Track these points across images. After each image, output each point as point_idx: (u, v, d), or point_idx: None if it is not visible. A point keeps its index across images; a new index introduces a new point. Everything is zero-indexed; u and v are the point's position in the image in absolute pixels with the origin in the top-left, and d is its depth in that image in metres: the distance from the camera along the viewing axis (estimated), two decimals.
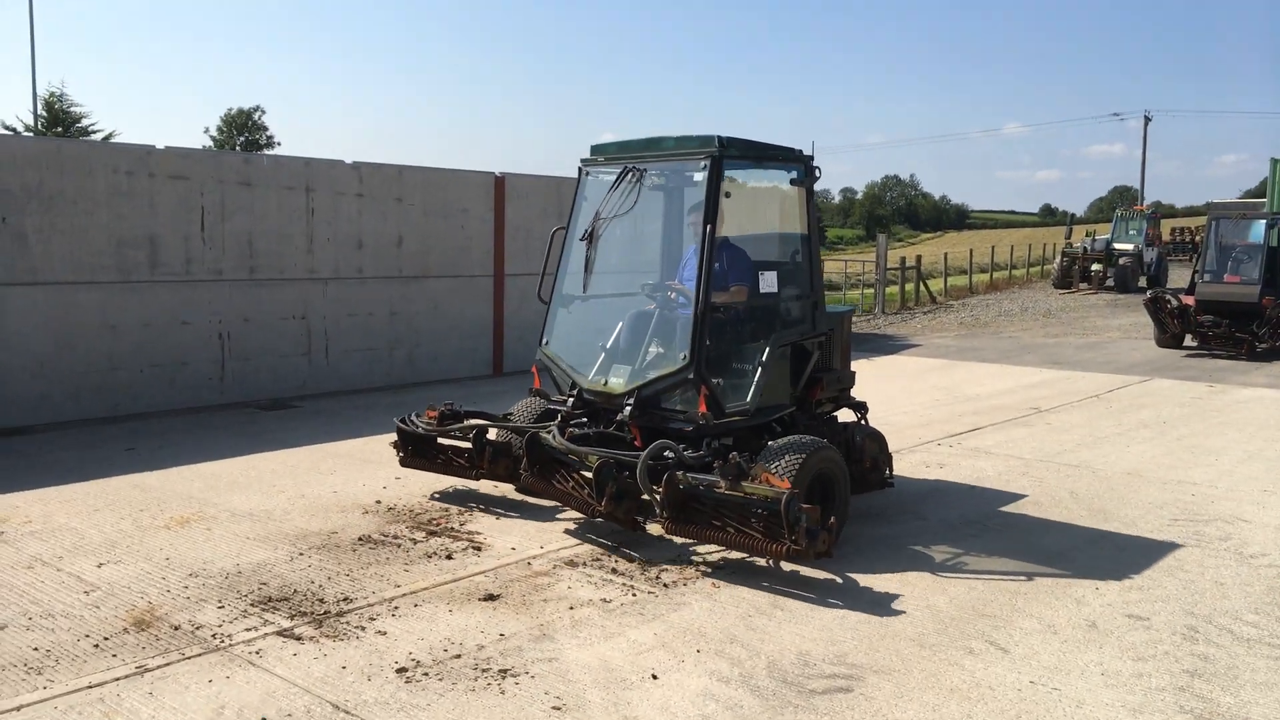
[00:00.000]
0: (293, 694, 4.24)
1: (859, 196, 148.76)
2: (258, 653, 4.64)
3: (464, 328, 13.69)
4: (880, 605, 5.38)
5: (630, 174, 6.59)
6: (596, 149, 7.02)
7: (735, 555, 6.01)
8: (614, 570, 5.84)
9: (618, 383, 6.43)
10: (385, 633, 4.90)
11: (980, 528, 6.89)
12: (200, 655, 4.60)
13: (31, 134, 29.87)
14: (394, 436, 7.44)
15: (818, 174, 6.80)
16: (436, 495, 7.35)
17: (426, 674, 4.46)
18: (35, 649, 4.65)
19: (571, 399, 6.64)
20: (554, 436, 6.34)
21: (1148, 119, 58.56)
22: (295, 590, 5.44)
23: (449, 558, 6.04)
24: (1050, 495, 7.74)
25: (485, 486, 7.45)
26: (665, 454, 5.88)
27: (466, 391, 11.99)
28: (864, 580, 5.76)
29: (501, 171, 14.07)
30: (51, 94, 34.31)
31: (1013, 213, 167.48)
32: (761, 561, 5.92)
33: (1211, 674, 4.63)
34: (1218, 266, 17.50)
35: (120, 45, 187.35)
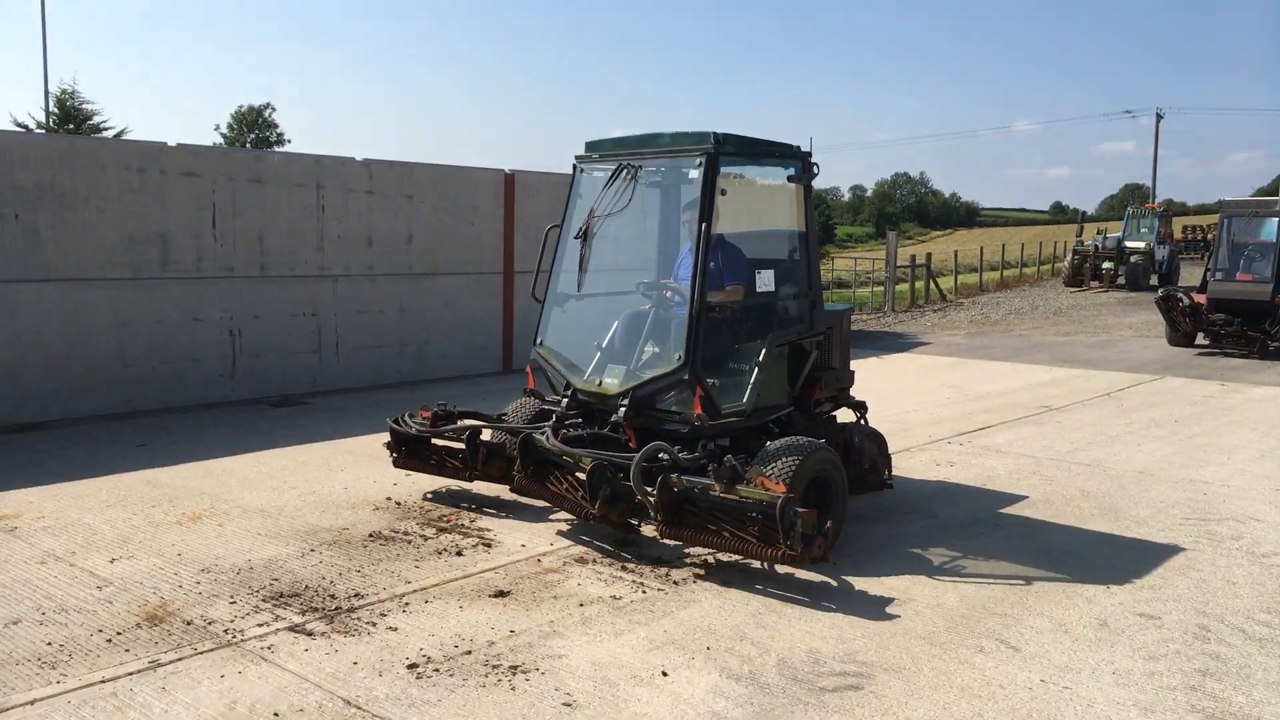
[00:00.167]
0: (304, 689, 4.26)
1: (869, 194, 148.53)
2: (269, 648, 4.66)
3: (474, 325, 13.71)
4: (890, 603, 5.38)
5: (625, 171, 6.49)
6: (591, 145, 6.93)
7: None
8: (624, 568, 5.85)
9: (612, 383, 6.35)
10: (396, 629, 4.91)
11: (991, 526, 6.87)
12: (212, 650, 4.63)
13: (43, 131, 29.99)
14: (387, 437, 7.34)
15: (816, 171, 6.72)
16: (429, 496, 7.28)
17: (437, 670, 4.47)
18: (49, 644, 4.67)
19: (566, 399, 6.58)
20: (547, 438, 6.24)
21: (1160, 116, 58.29)
22: (307, 586, 5.46)
23: (459, 554, 6.05)
24: (1061, 494, 7.72)
25: (484, 487, 7.34)
26: (660, 456, 5.80)
27: (476, 389, 12.01)
28: (874, 578, 5.76)
29: (511, 168, 14.09)
30: (63, 91, 34.41)
31: (1023, 210, 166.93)
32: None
33: (1223, 673, 4.61)
34: (1230, 265, 17.42)
35: (129, 43, 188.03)
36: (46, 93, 31.36)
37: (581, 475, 5.92)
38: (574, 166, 6.98)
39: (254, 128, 70.87)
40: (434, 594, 5.40)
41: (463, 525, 6.62)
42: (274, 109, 77.64)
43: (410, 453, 7.17)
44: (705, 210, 6.05)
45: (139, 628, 4.87)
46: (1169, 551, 6.35)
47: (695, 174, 6.24)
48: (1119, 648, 4.86)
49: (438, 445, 7.12)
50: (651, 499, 5.63)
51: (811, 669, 4.55)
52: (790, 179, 6.75)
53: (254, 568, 5.75)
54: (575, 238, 6.67)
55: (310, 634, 4.83)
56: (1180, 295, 17.31)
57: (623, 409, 6.16)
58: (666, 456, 5.79)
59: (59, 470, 7.93)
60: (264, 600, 5.25)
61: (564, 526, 6.62)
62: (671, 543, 6.02)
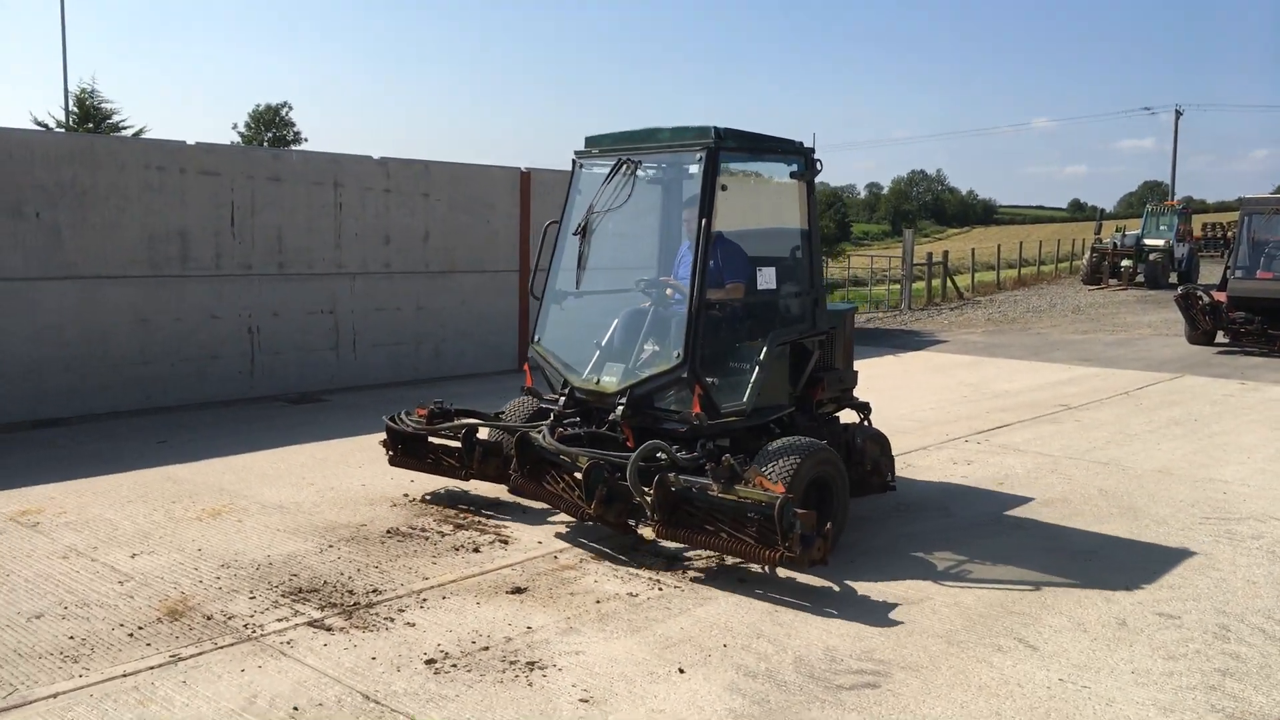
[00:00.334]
0: (323, 684, 4.29)
1: (885, 192, 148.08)
2: (289, 643, 4.69)
3: (490, 323, 13.74)
4: (907, 602, 5.36)
5: (625, 166, 6.39)
6: (591, 140, 6.81)
7: None
8: (640, 565, 5.85)
9: (610, 381, 6.27)
10: (414, 624, 4.94)
11: (1008, 525, 6.85)
12: (232, 645, 4.66)
13: (63, 130, 30.22)
14: (383, 435, 7.25)
15: (819, 167, 6.61)
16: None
17: (455, 665, 4.49)
18: (71, 638, 4.72)
19: (563, 398, 6.50)
20: (544, 437, 6.16)
21: (1179, 113, 57.89)
22: (325, 582, 5.50)
23: (476, 551, 6.07)
24: (1079, 493, 7.68)
25: (485, 487, 7.28)
26: (657, 455, 5.72)
27: (492, 386, 12.03)
28: (891, 577, 5.74)
29: (527, 166, 14.11)
30: (83, 90, 34.68)
31: (1041, 208, 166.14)
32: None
33: (1244, 673, 4.58)
34: (1250, 262, 17.27)
35: (147, 43, 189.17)
36: (66, 92, 31.61)
37: (578, 474, 5.83)
38: (573, 162, 6.89)
39: (271, 126, 71.17)
40: (451, 590, 5.42)
41: (479, 522, 6.64)
42: (291, 108, 77.74)
43: (407, 451, 7.09)
44: (705, 206, 5.95)
45: (160, 622, 4.91)
46: (1188, 551, 6.31)
47: (695, 169, 6.16)
48: (1138, 647, 4.84)
49: (434, 444, 7.03)
50: (648, 499, 5.56)
51: (828, 667, 4.55)
52: (793, 175, 6.63)
53: (273, 563, 5.79)
54: (574, 234, 6.59)
55: (329, 629, 4.86)
56: (1200, 293, 17.18)
57: (620, 407, 6.08)
58: (664, 456, 5.72)
59: (80, 466, 8.00)
60: (283, 595, 5.29)
61: (581, 524, 6.62)
62: (670, 544, 5.94)
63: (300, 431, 9.50)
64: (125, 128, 35.08)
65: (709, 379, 6.03)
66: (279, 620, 4.95)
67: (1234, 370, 14.56)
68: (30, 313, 9.72)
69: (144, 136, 28.34)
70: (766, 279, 6.45)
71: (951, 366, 15.11)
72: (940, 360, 15.92)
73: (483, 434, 6.97)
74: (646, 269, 7.02)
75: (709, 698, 4.23)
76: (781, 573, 5.73)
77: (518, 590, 5.43)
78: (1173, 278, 29.86)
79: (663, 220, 7.15)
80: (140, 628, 4.84)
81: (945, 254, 29.47)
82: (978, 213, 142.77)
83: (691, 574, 5.70)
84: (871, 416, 7.24)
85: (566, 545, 6.20)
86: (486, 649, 4.67)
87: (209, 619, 4.96)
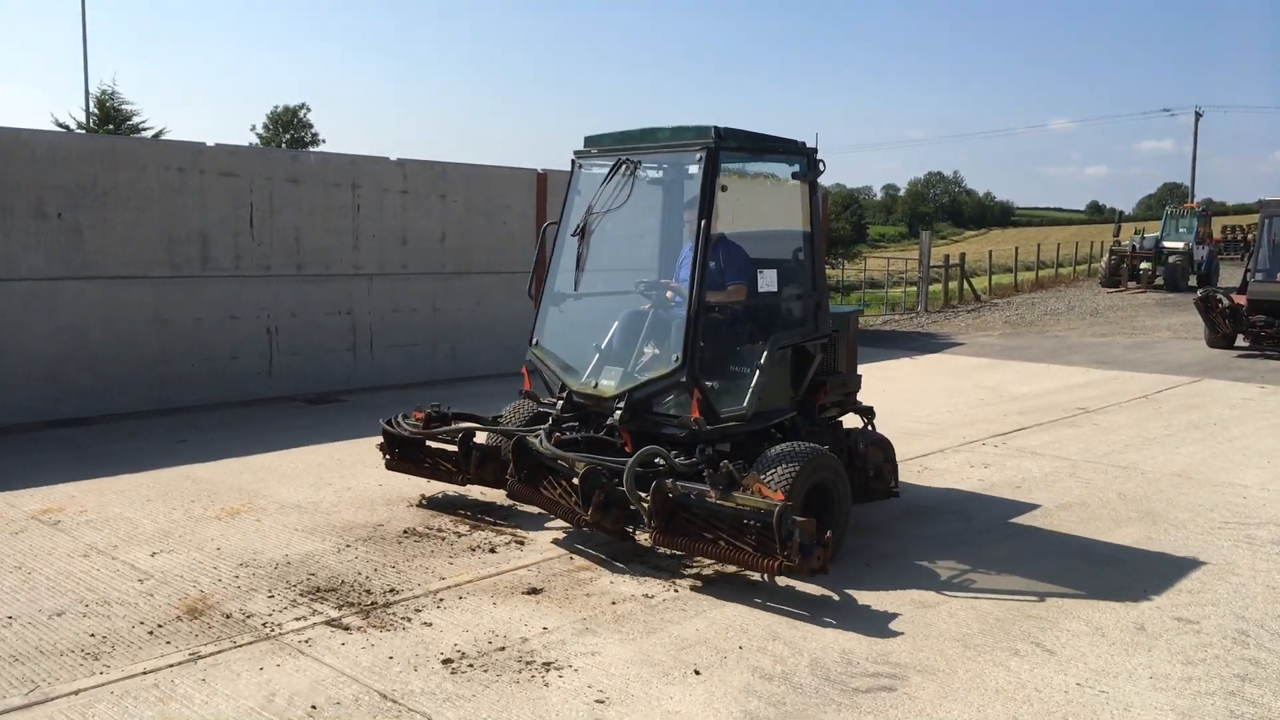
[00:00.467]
0: (341, 682, 4.32)
1: (901, 193, 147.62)
2: (307, 642, 4.72)
3: (506, 324, 13.76)
4: (923, 605, 5.35)
5: (624, 166, 6.28)
6: (590, 140, 6.72)
7: None
8: (656, 566, 5.86)
9: (608, 385, 6.16)
10: (431, 624, 4.96)
11: (1025, 528, 6.82)
12: (251, 643, 4.70)
13: (84, 131, 30.48)
14: (382, 439, 7.13)
15: (821, 167, 6.51)
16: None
17: (471, 665, 4.51)
18: (92, 635, 4.76)
19: (561, 402, 6.40)
20: (540, 441, 6.06)
21: (1199, 115, 57.43)
22: (343, 581, 5.53)
23: (492, 551, 6.09)
24: (1098, 496, 7.65)
25: (494, 493, 7.15)
26: (655, 461, 5.61)
27: (507, 388, 11.98)
28: (906, 580, 5.73)
29: (543, 167, 14.14)
30: (103, 92, 34.95)
31: (1059, 210, 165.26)
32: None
33: (1263, 679, 4.55)
34: (1270, 265, 17.14)
35: (166, 44, 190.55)
36: (87, 94, 31.93)
37: (576, 480, 5.72)
38: (572, 162, 6.78)
39: (289, 128, 71.53)
40: (468, 590, 5.44)
41: (496, 523, 6.66)
42: (309, 109, 78.14)
43: (404, 455, 7.00)
44: (705, 207, 5.85)
45: (179, 620, 4.95)
46: (1208, 555, 6.28)
47: (695, 170, 6.03)
48: (1156, 652, 4.82)
49: (432, 448, 6.93)
50: (645, 505, 5.45)
51: (844, 670, 4.55)
52: (795, 176, 6.51)
53: (291, 562, 5.83)
54: (572, 235, 6.48)
55: (347, 628, 4.89)
56: (1219, 296, 17.06)
57: (618, 412, 5.98)
58: (662, 461, 5.62)
59: (101, 465, 8.07)
60: (301, 595, 5.32)
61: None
62: (667, 551, 5.85)
63: (318, 432, 9.55)
64: (145, 129, 35.34)
65: (708, 383, 5.94)
66: (297, 619, 4.99)
67: (1254, 374, 14.45)
68: (52, 312, 9.81)
69: (164, 138, 28.55)
70: (768, 281, 6.33)
71: (968, 369, 15.05)
72: (957, 363, 15.87)
73: (481, 438, 6.89)
74: (646, 271, 6.92)
75: (724, 700, 4.24)
76: (801, 575, 5.71)
77: (533, 591, 5.44)
78: (1192, 280, 29.63)
79: (663, 221, 7.05)
80: (160, 625, 4.88)
81: (962, 256, 29.37)
82: (995, 214, 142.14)
83: (707, 576, 5.70)
84: (878, 420, 7.18)
85: (582, 547, 6.21)
86: (503, 649, 4.69)
87: (228, 617, 5.00)
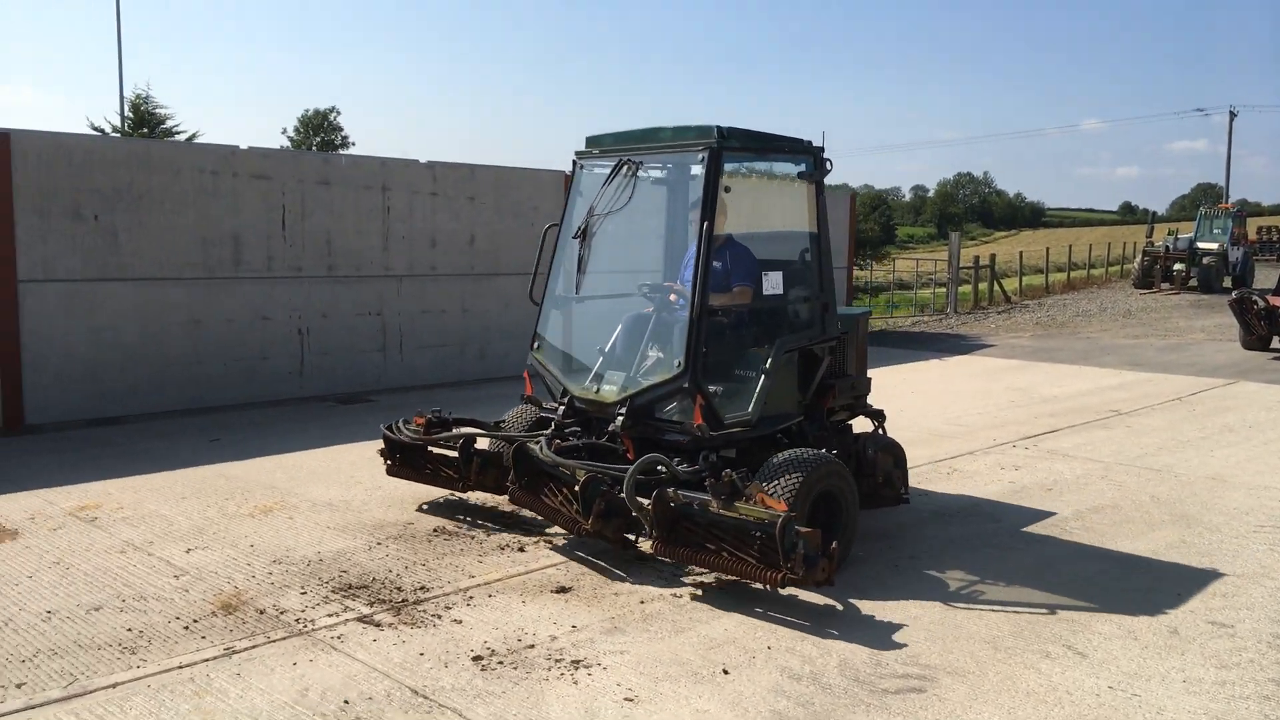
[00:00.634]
0: (373, 678, 4.36)
1: (930, 194, 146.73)
2: (339, 638, 4.78)
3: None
4: (953, 607, 5.33)
5: (625, 167, 6.15)
6: (592, 140, 6.57)
7: None
8: (684, 566, 5.86)
9: (610, 390, 6.02)
10: (461, 621, 5.00)
11: (1057, 530, 6.77)
12: (285, 639, 4.75)
13: (118, 135, 30.90)
14: (396, 443, 6.97)
15: (828, 167, 6.36)
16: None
17: (501, 662, 4.54)
18: (129, 629, 4.84)
19: (562, 407, 6.30)
20: (541, 448, 5.94)
21: (1233, 114, 56.63)
22: (374, 578, 5.58)
23: (521, 550, 6.13)
24: (1131, 499, 7.57)
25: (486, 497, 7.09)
26: (657, 468, 5.51)
27: None
28: (937, 582, 5.71)
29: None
30: (138, 96, 35.38)
31: (1091, 211, 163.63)
32: None
33: None
34: None
35: (199, 47, 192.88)
36: (122, 98, 32.44)
37: (577, 488, 5.61)
38: (573, 163, 6.66)
39: (320, 131, 72.17)
40: (497, 588, 5.48)
41: (524, 522, 6.70)
42: (339, 112, 78.86)
43: (405, 460, 6.91)
44: (707, 208, 5.71)
45: (214, 616, 5.02)
46: (1242, 559, 6.20)
47: (698, 170, 5.90)
48: (1190, 655, 4.77)
49: (433, 453, 6.80)
50: (647, 514, 5.35)
51: (873, 670, 4.54)
52: (801, 176, 6.37)
53: (323, 560, 5.90)
54: (574, 237, 6.38)
55: (378, 625, 4.94)
56: (1255, 298, 16.82)
57: (620, 418, 5.87)
58: (664, 469, 5.52)
59: (136, 463, 8.19)
60: (333, 591, 5.38)
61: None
62: (669, 561, 5.70)
63: (348, 431, 9.63)
64: (179, 132, 35.73)
65: (712, 388, 5.80)
66: (329, 615, 5.04)
67: None
68: (89, 313, 9.97)
69: (197, 141, 28.90)
70: (773, 284, 6.19)
71: (999, 371, 14.95)
72: (987, 364, 15.76)
73: (484, 443, 6.78)
74: (649, 273, 6.79)
75: (753, 699, 4.24)
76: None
77: (562, 590, 5.47)
78: (1226, 282, 29.25)
79: (667, 223, 6.94)
80: (195, 621, 4.95)
81: (992, 257, 29.15)
82: (1025, 215, 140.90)
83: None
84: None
85: (608, 547, 6.22)
86: (532, 647, 4.72)
87: (262, 613, 5.07)
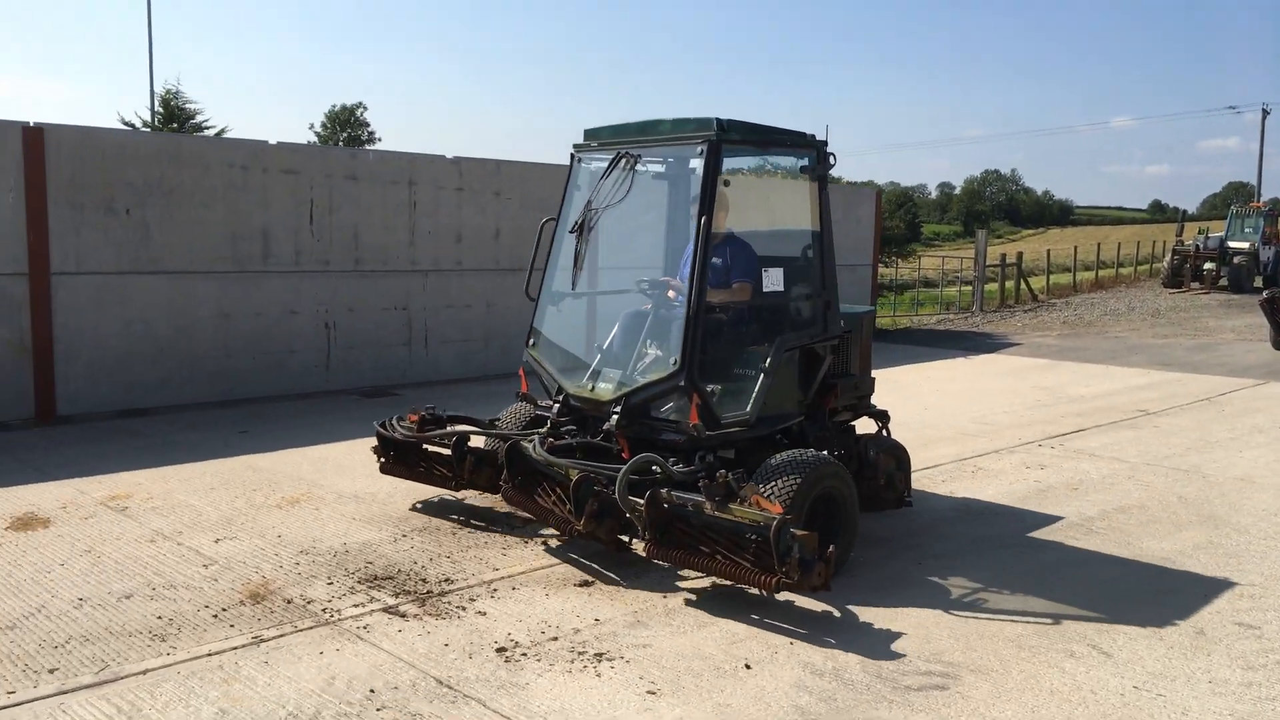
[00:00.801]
0: (398, 668, 4.41)
1: (957, 191, 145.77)
2: (365, 628, 4.83)
3: None
4: (977, 605, 5.32)
5: (623, 160, 6.01)
6: (590, 133, 6.43)
7: None
8: None
9: (605, 388, 5.91)
10: (485, 613, 5.04)
11: (1082, 530, 6.73)
12: (311, 628, 4.81)
13: (149, 129, 31.22)
14: (389, 440, 6.88)
15: (832, 161, 6.17)
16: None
17: (525, 654, 4.58)
18: (159, 617, 4.91)
19: (557, 405, 6.20)
20: (534, 447, 5.85)
21: (1266, 112, 55.80)
22: (399, 570, 5.64)
23: (544, 544, 6.16)
24: (1158, 499, 7.52)
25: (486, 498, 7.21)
26: (652, 468, 5.39)
27: None
28: (961, 579, 5.69)
29: None
30: (168, 91, 35.77)
31: (1120, 209, 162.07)
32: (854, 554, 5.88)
33: None
34: None
35: (228, 43, 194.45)
36: (152, 93, 32.72)
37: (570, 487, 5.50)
38: (571, 156, 6.53)
39: (346, 126, 72.58)
40: (521, 581, 5.51)
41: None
42: (365, 108, 79.22)
43: (398, 459, 6.80)
44: (706, 202, 5.55)
45: (242, 605, 5.09)
46: (1270, 560, 6.14)
47: (696, 163, 5.75)
48: (1216, 656, 4.74)
49: (428, 451, 6.70)
50: (639, 515, 5.22)
51: (896, 667, 4.54)
52: (803, 170, 6.22)
53: (349, 551, 5.95)
54: (570, 232, 6.23)
55: (403, 616, 4.99)
56: None
57: (615, 417, 5.76)
58: (659, 469, 5.40)
59: (166, 454, 8.30)
60: (359, 582, 5.44)
61: None
62: (664, 564, 5.57)
63: (373, 425, 9.68)
64: (208, 127, 36.11)
65: (710, 387, 5.68)
66: (355, 606, 5.10)
67: None
68: (121, 306, 10.09)
69: (226, 136, 29.15)
70: (774, 280, 6.06)
71: (1025, 369, 14.85)
72: (1013, 363, 15.66)
73: (479, 442, 6.70)
74: (648, 268, 6.64)
75: (776, 694, 4.25)
76: (852, 572, 5.70)
77: (585, 583, 5.50)
78: (1257, 281, 28.92)
79: (667, 217, 6.80)
80: (224, 609, 5.02)
81: (1019, 255, 28.93)
82: (1054, 213, 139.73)
83: None
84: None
85: (634, 540, 6.24)
86: (555, 639, 4.75)
87: (289, 603, 5.13)
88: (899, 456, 6.46)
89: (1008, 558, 6.12)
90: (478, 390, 11.85)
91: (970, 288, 26.57)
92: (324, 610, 5.03)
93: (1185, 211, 46.63)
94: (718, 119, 5.67)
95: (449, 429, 6.63)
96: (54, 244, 9.64)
